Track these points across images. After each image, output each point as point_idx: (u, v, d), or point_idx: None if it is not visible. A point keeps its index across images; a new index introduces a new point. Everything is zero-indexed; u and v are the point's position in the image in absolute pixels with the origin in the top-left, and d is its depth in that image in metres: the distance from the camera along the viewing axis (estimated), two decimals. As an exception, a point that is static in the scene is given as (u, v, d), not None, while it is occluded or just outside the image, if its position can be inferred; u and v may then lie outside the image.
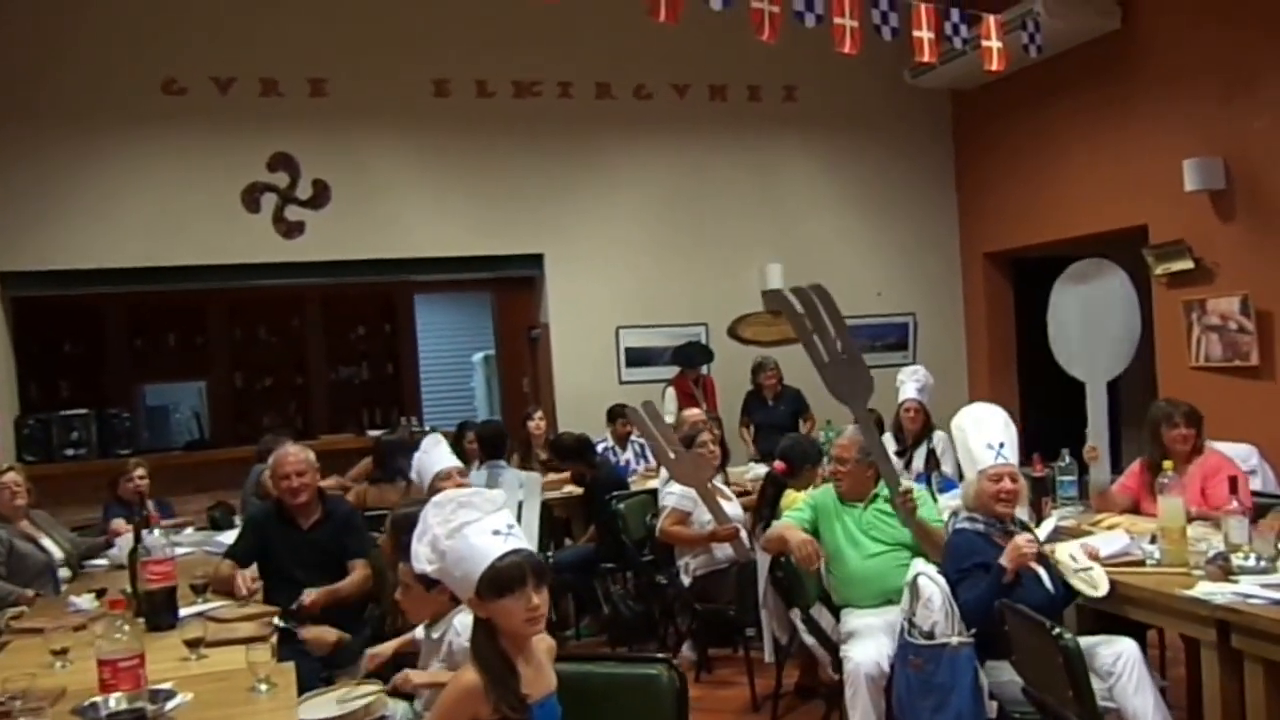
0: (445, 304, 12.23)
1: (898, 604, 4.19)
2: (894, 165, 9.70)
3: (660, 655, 2.98)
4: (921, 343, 9.70)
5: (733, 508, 5.61)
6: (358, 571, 4.56)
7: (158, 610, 3.92)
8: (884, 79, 9.25)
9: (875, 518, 4.47)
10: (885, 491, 4.51)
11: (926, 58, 6.94)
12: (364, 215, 8.32)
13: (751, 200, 9.28)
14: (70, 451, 7.89)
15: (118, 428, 8.26)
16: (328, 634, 3.85)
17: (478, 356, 12.42)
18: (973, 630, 3.55)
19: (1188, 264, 7.40)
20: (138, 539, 4.29)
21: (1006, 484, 3.89)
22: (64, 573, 5.56)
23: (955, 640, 3.54)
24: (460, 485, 4.81)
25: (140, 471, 6.65)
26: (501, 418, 10.17)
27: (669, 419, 8.24)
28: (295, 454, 4.74)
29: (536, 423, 7.91)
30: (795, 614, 4.86)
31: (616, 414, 7.96)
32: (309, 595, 4.35)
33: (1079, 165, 8.45)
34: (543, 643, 2.70)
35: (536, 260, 8.84)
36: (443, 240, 8.55)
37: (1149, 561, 3.85)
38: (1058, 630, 2.90)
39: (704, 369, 8.62)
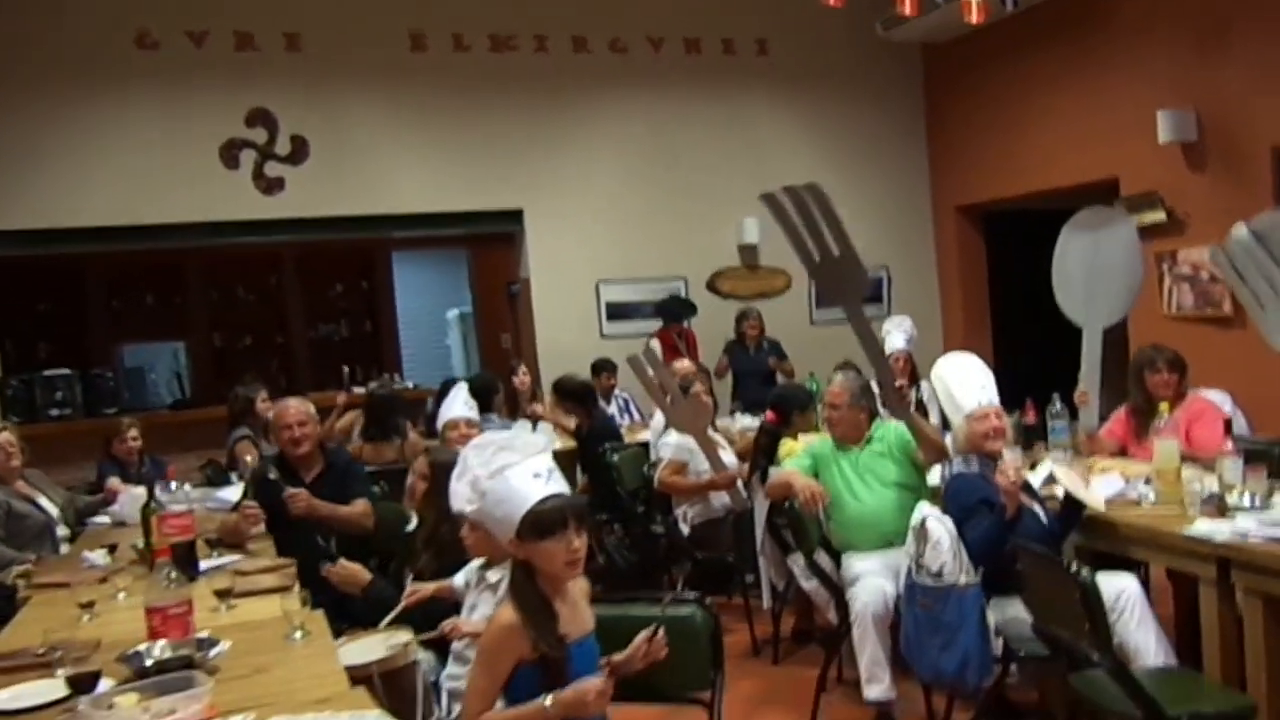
0: (419, 261, 12.18)
1: (897, 546, 4.33)
2: (866, 119, 9.77)
3: (694, 596, 3.05)
4: (896, 296, 9.81)
5: (728, 456, 5.70)
6: (356, 506, 4.63)
7: (178, 564, 3.94)
8: (856, 32, 9.34)
9: (871, 460, 4.58)
10: (879, 434, 4.64)
11: (908, 11, 7.02)
12: (343, 171, 8.29)
13: (728, 154, 9.32)
14: (55, 412, 7.86)
15: (102, 387, 8.23)
16: (361, 573, 3.90)
17: (452, 313, 12.40)
18: (980, 570, 3.67)
19: (1160, 215, 7.55)
20: (151, 494, 4.33)
21: (993, 421, 4.06)
22: (61, 531, 5.58)
23: (963, 580, 3.66)
24: (467, 435, 4.87)
25: (133, 432, 6.68)
26: (451, 379, 10.16)
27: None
28: (296, 405, 4.84)
29: (521, 378, 7.95)
30: (795, 560, 4.99)
31: (600, 367, 8.03)
32: (296, 494, 4.45)
33: (1050, 118, 8.56)
34: (579, 585, 2.77)
35: (516, 215, 8.85)
36: (423, 196, 8.53)
37: (1145, 502, 3.98)
38: (1075, 566, 3.02)
39: (686, 322, 8.69)
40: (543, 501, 2.59)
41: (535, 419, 7.20)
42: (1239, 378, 6.66)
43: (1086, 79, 8.18)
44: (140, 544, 4.36)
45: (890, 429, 4.64)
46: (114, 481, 6.14)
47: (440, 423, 5.26)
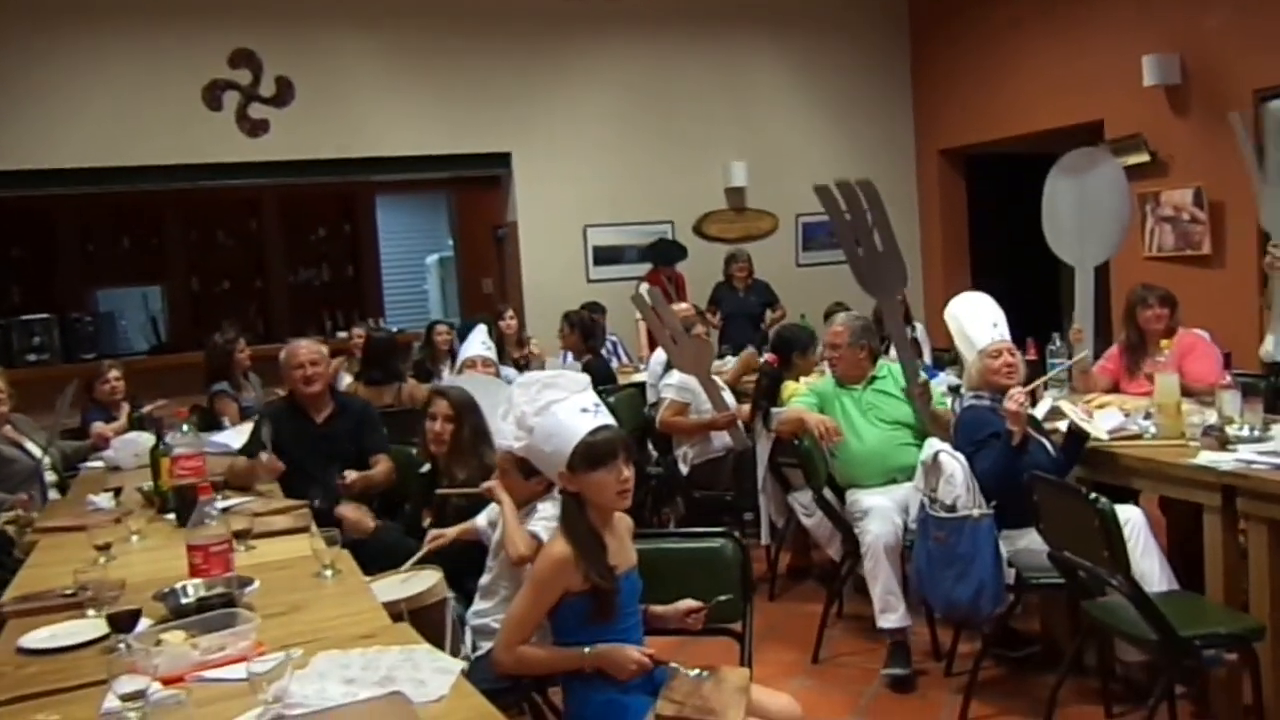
0: (398, 206, 12.06)
1: (901, 481, 4.41)
2: (852, 63, 9.73)
3: (723, 529, 3.10)
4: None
5: (727, 396, 5.73)
6: (384, 464, 4.67)
7: (189, 506, 3.91)
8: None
9: (875, 398, 4.62)
10: (882, 373, 4.69)
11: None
12: (329, 113, 8.17)
13: (715, 98, 9.29)
14: (32, 357, 7.75)
15: (80, 332, 8.13)
16: (366, 518, 3.91)
17: (431, 259, 12.29)
18: (993, 503, 3.74)
19: (1144, 157, 7.60)
20: (160, 437, 4.30)
21: (1006, 358, 4.11)
22: (50, 476, 5.53)
23: (976, 513, 3.72)
24: (483, 372, 4.89)
25: (115, 373, 6.58)
26: (460, 319, 10.14)
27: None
28: (307, 344, 4.86)
29: (508, 322, 7.92)
30: (796, 497, 5.06)
31: (590, 310, 8.00)
32: (350, 475, 4.44)
33: (1036, 62, 8.56)
34: (623, 521, 2.81)
35: (504, 159, 8.77)
36: (410, 139, 8.44)
37: (1145, 435, 4.06)
38: (1094, 495, 3.09)
39: (674, 265, 8.69)
40: (594, 433, 2.63)
41: (529, 360, 7.23)
42: (1215, 317, 6.77)
43: (1071, 23, 8.18)
44: (148, 486, 4.36)
45: (895, 368, 4.69)
46: (99, 426, 6.09)
47: (459, 361, 5.30)
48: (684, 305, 6.60)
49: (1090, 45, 8.02)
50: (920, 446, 4.21)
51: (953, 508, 3.76)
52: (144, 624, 2.68)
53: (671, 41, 9.16)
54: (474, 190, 9.93)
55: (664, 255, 8.57)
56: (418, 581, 3.25)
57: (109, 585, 2.91)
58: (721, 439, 5.57)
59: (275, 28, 8.00)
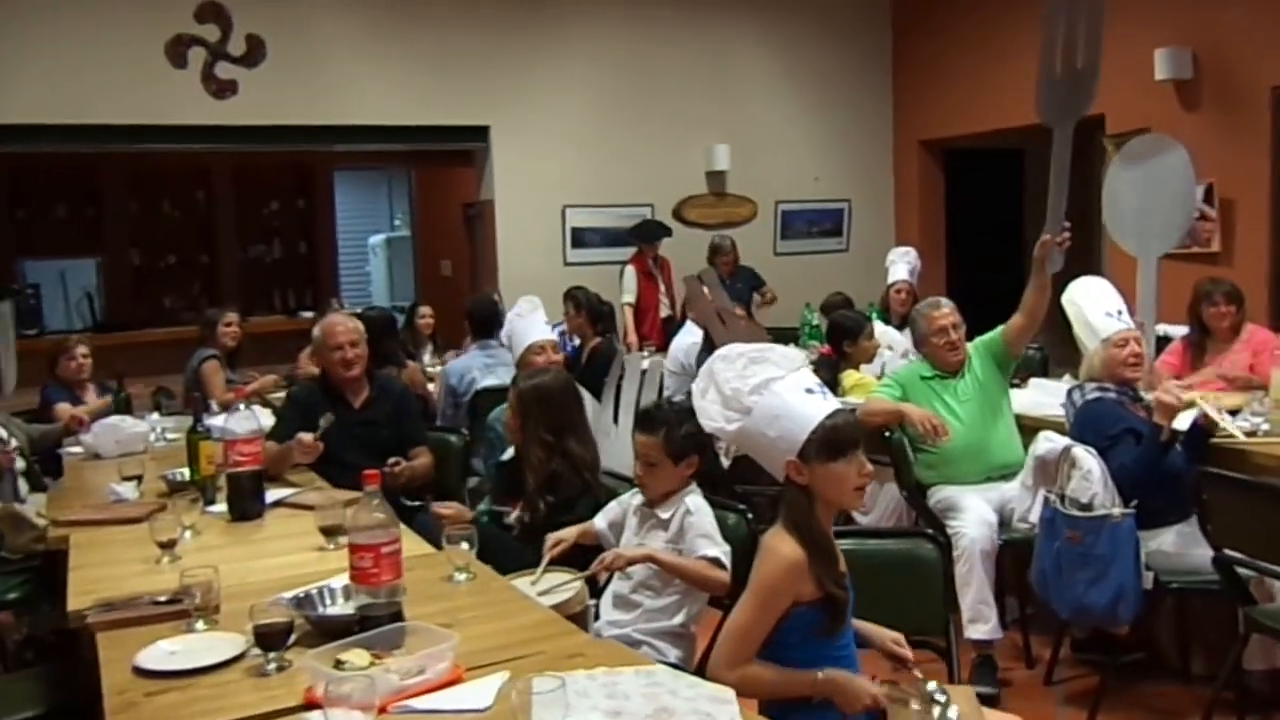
0: (342, 183, 11.40)
1: (997, 480, 4.17)
2: (834, 50, 9.52)
3: (920, 529, 2.80)
4: (855, 229, 9.68)
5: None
6: (425, 457, 4.32)
7: (244, 497, 3.52)
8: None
9: (970, 388, 4.34)
10: (976, 361, 4.42)
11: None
12: (302, 77, 7.59)
13: (698, 78, 8.98)
14: (-32, 332, 7.03)
15: (22, 306, 7.41)
16: (465, 512, 3.51)
17: (376, 239, 11.67)
18: (1134, 502, 3.51)
19: (1150, 153, 7.54)
20: (196, 418, 3.84)
21: (1133, 347, 3.91)
22: (19, 464, 4.97)
23: (1117, 512, 3.49)
24: (552, 360, 4.52)
25: (83, 349, 5.99)
26: (417, 303, 9.62)
27: (629, 297, 8.05)
28: (345, 322, 4.44)
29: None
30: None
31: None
32: (401, 464, 4.10)
33: (1029, 53, 8.40)
34: (826, 522, 2.51)
35: (482, 132, 8.30)
36: (386, 107, 7.92)
37: (1259, 431, 3.88)
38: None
39: (658, 247, 8.37)
40: (832, 417, 2.30)
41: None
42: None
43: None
44: (179, 474, 3.89)
45: (971, 350, 4.43)
46: (64, 407, 5.54)
47: (520, 346, 4.87)
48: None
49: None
50: (1018, 442, 3.99)
51: (1088, 506, 3.52)
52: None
53: (656, 18, 8.82)
54: (439, 166, 9.42)
55: (650, 234, 8.24)
56: (556, 587, 2.87)
57: (214, 590, 2.49)
58: (768, 430, 5.25)
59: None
